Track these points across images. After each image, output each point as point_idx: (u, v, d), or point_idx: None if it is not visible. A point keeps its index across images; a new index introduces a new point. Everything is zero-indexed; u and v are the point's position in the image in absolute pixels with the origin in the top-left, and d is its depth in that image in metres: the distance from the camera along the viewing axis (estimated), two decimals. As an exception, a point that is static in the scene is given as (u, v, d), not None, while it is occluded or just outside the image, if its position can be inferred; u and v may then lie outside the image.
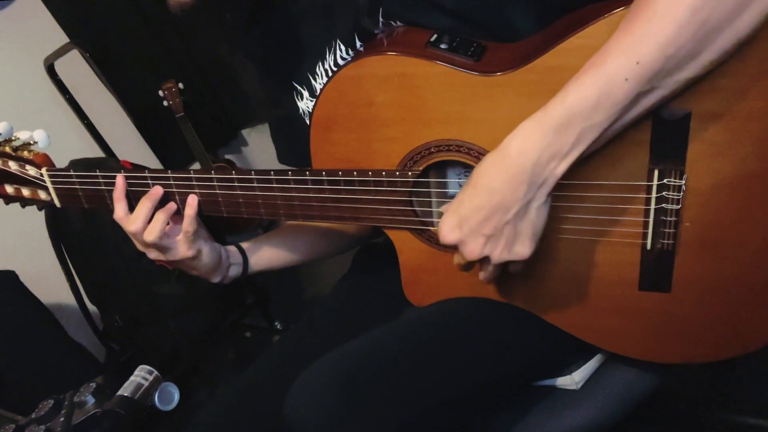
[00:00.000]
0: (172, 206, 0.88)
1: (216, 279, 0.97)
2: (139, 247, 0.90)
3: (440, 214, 0.74)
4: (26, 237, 1.88)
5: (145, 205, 0.86)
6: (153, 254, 0.90)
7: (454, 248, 0.74)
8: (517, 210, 0.67)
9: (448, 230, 0.71)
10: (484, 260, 0.72)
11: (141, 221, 0.86)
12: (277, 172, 0.84)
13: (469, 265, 0.75)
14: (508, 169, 0.66)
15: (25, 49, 1.96)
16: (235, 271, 0.98)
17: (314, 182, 0.83)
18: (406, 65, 0.75)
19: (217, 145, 2.48)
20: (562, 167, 0.65)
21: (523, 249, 0.70)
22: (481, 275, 0.76)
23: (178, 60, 2.25)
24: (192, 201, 0.87)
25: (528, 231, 0.69)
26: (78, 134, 2.07)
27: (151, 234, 0.86)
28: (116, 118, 2.08)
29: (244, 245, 1.01)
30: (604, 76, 0.60)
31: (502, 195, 0.66)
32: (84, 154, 1.95)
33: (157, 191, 0.87)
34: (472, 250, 0.71)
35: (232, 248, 0.99)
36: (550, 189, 0.67)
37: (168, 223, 0.88)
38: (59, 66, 1.95)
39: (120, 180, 0.88)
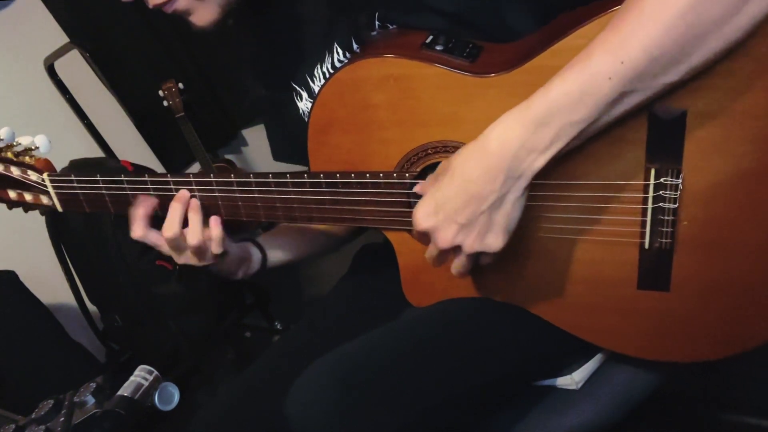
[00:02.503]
0: (196, 203, 0.87)
1: (239, 276, 0.97)
2: (169, 252, 0.88)
3: (416, 195, 0.74)
4: (26, 237, 1.88)
5: (176, 209, 0.86)
6: (182, 259, 0.89)
7: (426, 240, 0.74)
8: (493, 201, 0.67)
9: (423, 216, 0.71)
10: (456, 250, 0.72)
11: (178, 225, 0.85)
12: (276, 174, 0.84)
13: (440, 259, 0.75)
14: (486, 160, 0.65)
15: (25, 49, 1.96)
16: (255, 267, 0.99)
17: (312, 185, 0.83)
18: (401, 67, 0.75)
19: (217, 145, 2.48)
20: (541, 161, 0.65)
21: (495, 240, 0.69)
22: (453, 267, 0.75)
23: (178, 60, 2.25)
24: (214, 223, 0.86)
25: (502, 223, 0.68)
26: (78, 134, 2.07)
27: (194, 237, 0.85)
28: (116, 118, 2.08)
29: (261, 240, 1.01)
30: (587, 73, 0.60)
31: (479, 185, 0.66)
32: (84, 154, 1.95)
33: (184, 195, 0.86)
34: (445, 237, 0.70)
35: (250, 243, 1.00)
36: (528, 182, 0.67)
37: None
38: (59, 66, 1.95)
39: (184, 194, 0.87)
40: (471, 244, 0.70)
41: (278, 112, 1.01)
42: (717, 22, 0.56)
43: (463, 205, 0.68)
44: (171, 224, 0.85)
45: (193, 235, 0.85)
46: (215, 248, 0.87)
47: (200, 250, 0.87)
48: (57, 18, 2.00)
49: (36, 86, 1.99)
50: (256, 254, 0.99)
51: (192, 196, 0.87)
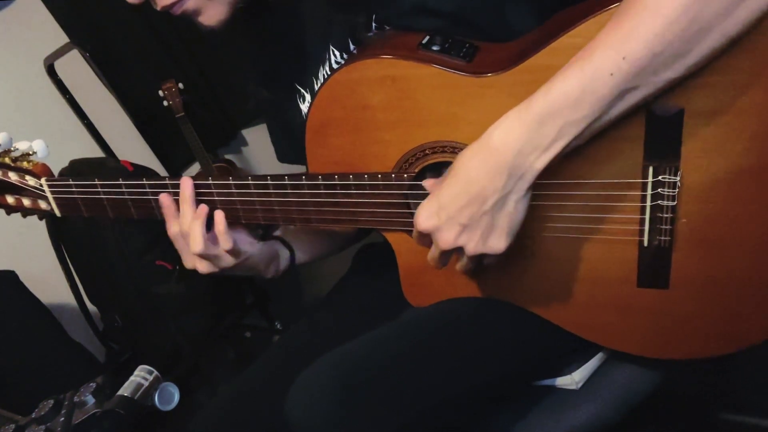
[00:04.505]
0: (203, 209, 0.86)
1: (270, 274, 0.98)
2: (189, 263, 0.89)
3: (414, 196, 0.74)
4: (26, 237, 1.88)
5: (197, 226, 0.85)
6: (204, 267, 0.88)
7: (427, 242, 0.74)
8: (495, 201, 0.67)
9: (425, 217, 0.71)
10: (459, 251, 0.72)
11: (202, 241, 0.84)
12: (274, 177, 0.84)
13: (442, 260, 0.74)
14: (488, 160, 0.65)
15: (25, 49, 1.96)
16: (284, 264, 1.00)
17: (310, 186, 0.83)
18: (398, 68, 0.75)
19: (217, 145, 2.48)
20: (543, 161, 0.64)
21: (498, 243, 0.69)
22: (457, 267, 0.75)
23: (178, 60, 2.25)
24: (219, 218, 0.85)
25: (504, 224, 0.68)
26: (78, 134, 2.07)
27: (197, 245, 0.84)
28: (116, 118, 2.08)
29: (288, 238, 1.02)
30: (589, 71, 0.60)
31: (481, 185, 0.66)
32: (84, 154, 1.95)
33: (202, 209, 0.85)
34: (447, 238, 0.70)
35: (277, 242, 1.00)
36: (530, 182, 0.66)
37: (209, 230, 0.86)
38: (59, 66, 1.95)
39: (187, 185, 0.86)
40: (474, 246, 0.69)
41: (281, 114, 1.01)
42: (719, 16, 0.56)
43: (465, 205, 0.67)
44: (195, 241, 0.84)
45: (195, 244, 0.84)
46: (228, 259, 0.87)
47: (208, 257, 0.86)
48: (57, 18, 1.99)
49: (36, 86, 1.98)
50: (283, 252, 1.00)
51: (215, 211, 0.86)
